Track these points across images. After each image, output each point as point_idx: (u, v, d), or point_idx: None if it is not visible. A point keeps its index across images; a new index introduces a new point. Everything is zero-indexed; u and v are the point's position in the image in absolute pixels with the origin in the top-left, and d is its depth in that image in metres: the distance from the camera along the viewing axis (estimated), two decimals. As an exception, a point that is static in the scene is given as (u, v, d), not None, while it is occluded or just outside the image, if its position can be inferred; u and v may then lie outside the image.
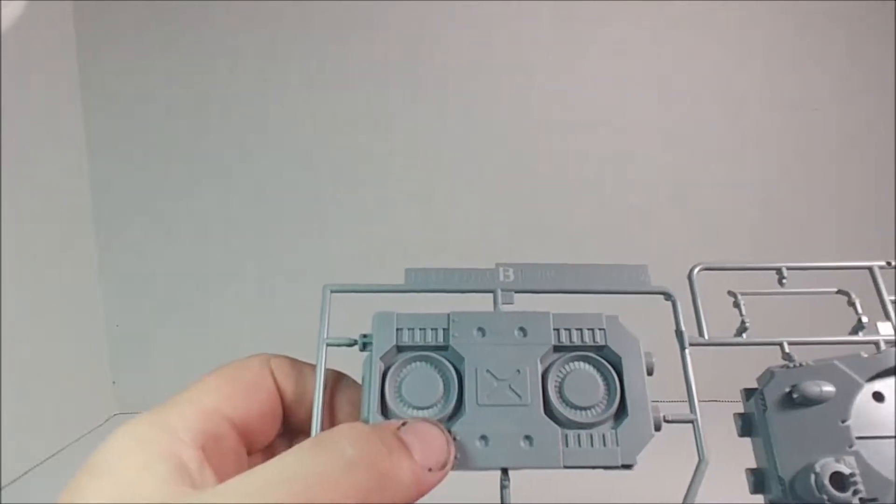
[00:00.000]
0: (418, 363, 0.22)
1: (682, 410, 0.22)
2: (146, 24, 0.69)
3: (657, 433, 0.21)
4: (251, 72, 0.70)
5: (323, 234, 0.71)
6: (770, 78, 0.71)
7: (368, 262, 0.70)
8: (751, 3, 0.70)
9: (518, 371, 0.21)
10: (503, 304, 0.23)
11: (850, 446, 0.21)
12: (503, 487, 0.20)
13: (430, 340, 0.22)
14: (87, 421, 0.66)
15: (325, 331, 0.22)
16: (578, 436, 0.20)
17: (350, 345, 0.22)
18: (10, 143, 0.56)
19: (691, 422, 0.21)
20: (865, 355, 0.22)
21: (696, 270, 0.24)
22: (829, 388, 0.21)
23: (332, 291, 0.23)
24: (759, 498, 0.22)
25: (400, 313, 0.22)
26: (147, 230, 0.71)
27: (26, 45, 0.60)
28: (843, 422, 0.21)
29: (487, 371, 0.21)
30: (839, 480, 0.20)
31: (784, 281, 0.24)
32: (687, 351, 0.23)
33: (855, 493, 0.20)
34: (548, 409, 0.21)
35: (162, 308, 0.71)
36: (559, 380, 0.21)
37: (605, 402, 0.21)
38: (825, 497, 0.19)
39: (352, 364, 0.23)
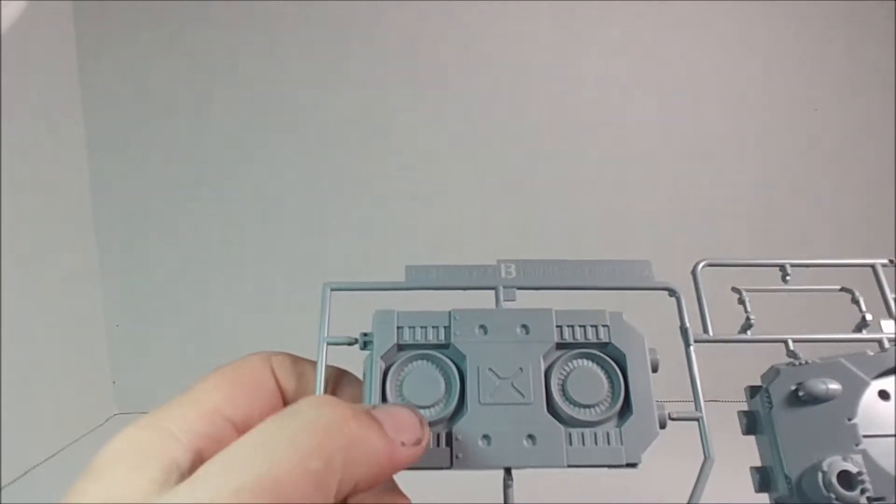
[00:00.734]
0: (419, 362, 0.21)
1: (686, 409, 0.21)
2: (146, 24, 0.69)
3: (662, 431, 0.20)
4: (251, 72, 0.70)
5: (323, 233, 0.71)
6: (770, 78, 0.71)
7: (368, 260, 0.69)
8: (751, 4, 0.70)
9: (520, 369, 0.21)
10: (505, 300, 0.23)
11: (858, 444, 0.20)
12: (506, 487, 0.20)
13: (431, 339, 0.21)
14: (87, 421, 0.65)
15: (326, 329, 0.22)
16: (582, 434, 0.20)
17: (351, 343, 0.22)
18: (11, 143, 0.56)
19: (697, 419, 0.21)
20: (871, 353, 0.22)
21: (701, 266, 0.24)
22: (835, 386, 0.21)
23: (332, 290, 0.23)
24: (765, 497, 0.22)
25: (401, 311, 0.22)
26: (147, 230, 0.71)
27: (26, 45, 0.60)
28: (850, 420, 0.21)
29: (489, 369, 0.21)
30: (847, 479, 0.20)
31: (788, 278, 0.24)
32: (692, 348, 0.22)
33: (863, 491, 0.19)
34: (551, 407, 0.20)
35: (162, 308, 0.71)
36: (562, 377, 0.21)
37: (609, 399, 0.21)
38: (833, 496, 0.19)
39: (353, 363, 0.23)
